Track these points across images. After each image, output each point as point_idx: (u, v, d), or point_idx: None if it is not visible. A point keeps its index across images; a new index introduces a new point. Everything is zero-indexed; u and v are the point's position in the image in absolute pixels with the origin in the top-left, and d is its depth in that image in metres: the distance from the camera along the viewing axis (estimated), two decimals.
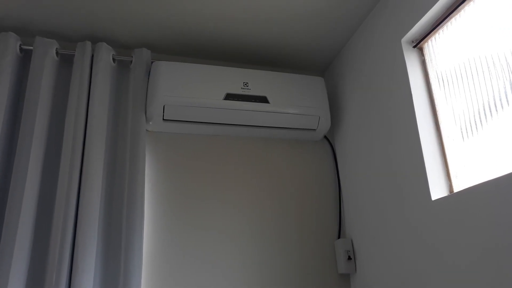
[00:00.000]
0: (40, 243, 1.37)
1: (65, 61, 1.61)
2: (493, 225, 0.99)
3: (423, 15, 1.29)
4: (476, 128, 1.16)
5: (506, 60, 1.07)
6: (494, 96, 1.10)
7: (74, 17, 1.56)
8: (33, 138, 1.41)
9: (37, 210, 1.38)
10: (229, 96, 1.61)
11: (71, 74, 1.57)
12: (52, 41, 1.56)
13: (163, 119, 1.59)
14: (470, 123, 1.19)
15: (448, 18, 1.26)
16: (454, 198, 1.13)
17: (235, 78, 1.66)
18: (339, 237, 1.73)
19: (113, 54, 1.63)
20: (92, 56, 1.59)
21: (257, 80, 1.68)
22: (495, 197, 0.99)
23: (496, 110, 1.09)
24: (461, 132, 1.22)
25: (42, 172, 1.42)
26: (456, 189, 1.22)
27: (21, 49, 1.55)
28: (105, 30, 1.64)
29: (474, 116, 1.18)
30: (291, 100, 1.69)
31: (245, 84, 1.66)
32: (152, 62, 1.66)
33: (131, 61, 1.65)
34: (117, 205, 1.46)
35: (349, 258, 1.63)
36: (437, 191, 1.22)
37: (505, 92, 1.07)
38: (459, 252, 1.09)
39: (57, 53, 1.57)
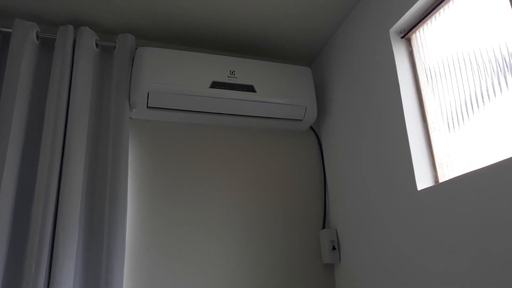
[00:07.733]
0: (19, 231, 1.33)
1: (46, 45, 1.55)
2: (477, 214, 1.00)
3: (412, 5, 1.30)
4: (463, 120, 1.18)
5: (493, 53, 1.08)
6: (481, 88, 1.12)
7: (56, 0, 1.51)
8: (11, 124, 1.37)
9: (16, 198, 1.34)
10: (215, 84, 1.59)
11: (52, 59, 1.52)
12: (32, 24, 1.51)
13: (147, 106, 1.56)
14: (457, 114, 1.20)
15: (437, 9, 1.26)
16: (439, 188, 1.14)
17: (222, 66, 1.63)
18: (323, 227, 1.73)
19: (96, 39, 1.58)
20: (74, 40, 1.54)
21: (244, 69, 1.66)
22: (479, 187, 1.00)
23: (483, 102, 1.11)
24: (447, 123, 1.23)
25: (21, 159, 1.38)
26: (442, 179, 1.23)
27: None
28: (88, 15, 1.60)
29: (460, 107, 1.19)
30: (278, 90, 1.67)
31: (232, 73, 1.63)
32: (136, 48, 1.62)
33: (115, 47, 1.61)
34: (100, 194, 1.44)
35: (334, 248, 1.64)
36: (423, 181, 1.23)
37: (492, 85, 1.08)
38: (444, 241, 1.10)
39: (37, 36, 1.52)
